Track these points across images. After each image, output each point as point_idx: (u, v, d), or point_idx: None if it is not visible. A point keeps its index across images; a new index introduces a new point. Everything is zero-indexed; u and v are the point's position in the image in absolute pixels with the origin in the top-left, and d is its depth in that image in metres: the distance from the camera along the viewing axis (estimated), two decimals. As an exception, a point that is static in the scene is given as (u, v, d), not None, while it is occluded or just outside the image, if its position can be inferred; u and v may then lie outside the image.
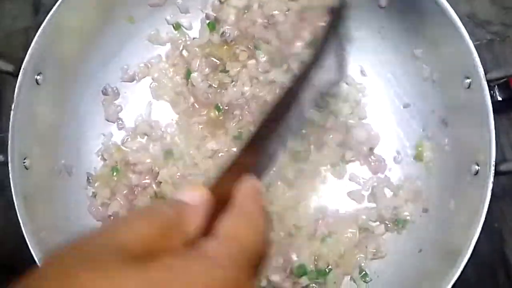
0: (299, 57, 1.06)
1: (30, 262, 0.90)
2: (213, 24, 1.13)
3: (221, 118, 1.12)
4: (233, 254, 0.40)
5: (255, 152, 0.65)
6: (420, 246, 1.03)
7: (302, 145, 1.10)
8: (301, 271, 1.02)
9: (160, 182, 1.09)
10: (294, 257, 1.03)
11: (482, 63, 0.92)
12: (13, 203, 0.93)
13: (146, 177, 1.10)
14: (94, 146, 1.14)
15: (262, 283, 1.03)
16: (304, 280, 1.02)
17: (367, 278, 1.05)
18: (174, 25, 1.16)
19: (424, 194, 1.07)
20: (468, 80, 0.94)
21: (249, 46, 1.11)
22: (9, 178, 0.94)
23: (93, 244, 0.39)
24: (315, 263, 1.04)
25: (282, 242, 1.06)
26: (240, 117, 1.11)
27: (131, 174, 1.10)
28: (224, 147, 1.10)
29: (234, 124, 1.10)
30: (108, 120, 1.15)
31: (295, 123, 0.80)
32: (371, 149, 1.12)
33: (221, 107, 1.12)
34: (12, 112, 0.95)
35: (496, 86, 0.99)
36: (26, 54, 0.97)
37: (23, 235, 0.92)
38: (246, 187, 0.52)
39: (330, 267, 1.03)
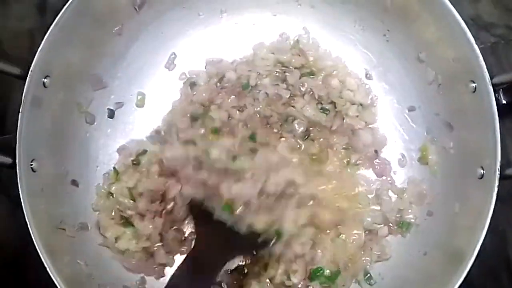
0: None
1: (34, 261, 0.91)
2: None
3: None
4: None
5: None
6: (425, 249, 1.03)
7: (314, 147, 1.11)
8: (318, 272, 1.03)
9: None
10: (319, 255, 1.04)
11: (486, 67, 0.92)
12: (18, 204, 0.94)
13: None
14: (101, 149, 1.15)
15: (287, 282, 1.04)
16: (315, 284, 1.03)
17: (372, 281, 1.06)
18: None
19: (429, 197, 1.07)
20: (473, 84, 0.95)
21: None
22: (15, 180, 0.94)
23: None
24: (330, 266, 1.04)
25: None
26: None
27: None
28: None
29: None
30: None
31: None
32: (376, 152, 1.12)
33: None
34: (20, 115, 0.96)
35: (500, 89, 0.99)
36: (32, 55, 0.98)
37: (27, 236, 0.92)
38: None
39: (339, 269, 1.04)
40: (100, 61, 1.13)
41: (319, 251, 1.04)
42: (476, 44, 0.94)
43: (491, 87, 0.91)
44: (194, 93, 1.17)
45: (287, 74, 1.14)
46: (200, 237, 1.04)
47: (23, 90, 0.97)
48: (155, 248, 1.07)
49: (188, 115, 1.14)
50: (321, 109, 1.12)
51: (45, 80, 0.99)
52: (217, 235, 0.97)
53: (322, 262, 1.03)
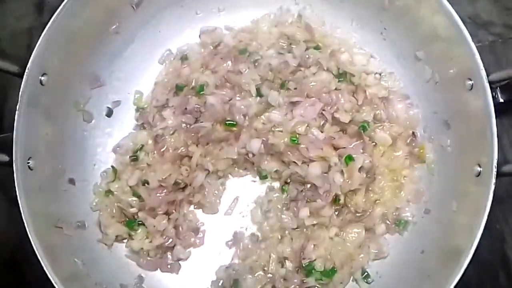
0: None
1: (32, 260, 0.91)
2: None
3: None
4: None
5: None
6: (422, 247, 1.03)
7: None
8: (310, 268, 1.03)
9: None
10: (310, 249, 1.03)
11: (484, 65, 0.92)
12: (15, 202, 0.94)
13: None
14: (99, 147, 1.15)
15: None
16: (311, 280, 1.03)
17: (369, 279, 1.05)
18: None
19: (426, 195, 1.07)
20: (470, 82, 0.95)
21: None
22: (12, 178, 0.94)
23: None
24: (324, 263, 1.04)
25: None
26: None
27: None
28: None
29: None
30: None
31: None
32: (413, 134, 1.10)
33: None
34: (17, 113, 0.96)
35: (498, 87, 0.99)
36: (29, 54, 0.98)
37: (24, 234, 0.93)
38: None
39: (335, 267, 1.03)
40: (98, 59, 1.13)
41: (312, 245, 1.03)
42: (474, 42, 0.94)
43: (487, 85, 0.91)
44: (184, 66, 1.16)
45: (293, 46, 1.13)
46: None
47: (20, 88, 0.97)
48: (170, 244, 1.08)
49: (169, 88, 1.14)
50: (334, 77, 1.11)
51: (42, 78, 0.99)
52: None
53: (312, 256, 1.03)
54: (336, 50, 1.14)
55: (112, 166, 1.12)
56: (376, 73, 1.13)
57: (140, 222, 1.08)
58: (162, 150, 1.10)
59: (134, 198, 1.08)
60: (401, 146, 1.10)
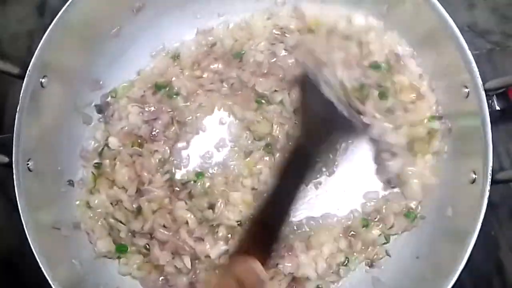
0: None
1: (29, 259, 0.92)
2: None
3: None
4: None
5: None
6: (417, 252, 1.04)
7: None
8: None
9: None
10: None
11: (481, 73, 0.93)
12: (14, 203, 0.94)
13: None
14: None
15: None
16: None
17: (364, 283, 1.06)
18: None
19: (422, 201, 1.07)
20: (466, 90, 0.95)
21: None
22: (12, 179, 0.95)
23: None
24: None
25: None
26: None
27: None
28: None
29: None
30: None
31: None
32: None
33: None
34: (17, 114, 0.96)
35: (494, 95, 1.00)
36: (30, 56, 0.99)
37: (22, 235, 0.93)
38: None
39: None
40: (98, 62, 1.13)
41: None
42: (472, 50, 0.94)
43: (483, 92, 0.92)
44: (176, 64, 1.17)
45: (286, 35, 1.13)
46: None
47: (20, 90, 0.97)
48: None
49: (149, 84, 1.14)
50: None
51: (43, 80, 1.00)
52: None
53: None
54: (331, 29, 1.11)
55: (93, 173, 1.11)
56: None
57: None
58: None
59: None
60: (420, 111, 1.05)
